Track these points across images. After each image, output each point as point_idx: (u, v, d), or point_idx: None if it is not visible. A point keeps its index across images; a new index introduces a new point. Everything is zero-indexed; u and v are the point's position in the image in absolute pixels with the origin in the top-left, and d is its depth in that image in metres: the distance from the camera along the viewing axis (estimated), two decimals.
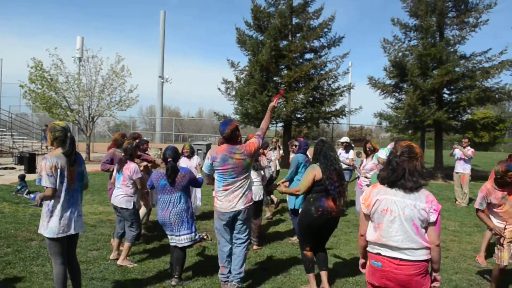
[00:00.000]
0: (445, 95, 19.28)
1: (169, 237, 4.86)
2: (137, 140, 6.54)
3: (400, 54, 19.31)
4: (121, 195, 5.35)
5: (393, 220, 2.80)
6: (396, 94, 20.26)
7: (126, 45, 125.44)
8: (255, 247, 6.34)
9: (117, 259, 5.40)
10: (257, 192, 6.41)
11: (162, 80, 36.23)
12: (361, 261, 3.20)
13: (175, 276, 4.74)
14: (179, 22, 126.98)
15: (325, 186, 4.50)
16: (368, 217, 2.95)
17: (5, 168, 15.81)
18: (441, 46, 17.44)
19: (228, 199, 4.44)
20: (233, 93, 21.30)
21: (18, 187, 10.18)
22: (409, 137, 22.96)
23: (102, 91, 20.55)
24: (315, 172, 4.57)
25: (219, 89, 21.65)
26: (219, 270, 4.61)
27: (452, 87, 18.71)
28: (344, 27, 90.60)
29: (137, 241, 5.82)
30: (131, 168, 5.30)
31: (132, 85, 21.35)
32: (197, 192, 8.02)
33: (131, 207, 5.32)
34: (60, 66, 19.80)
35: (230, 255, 4.59)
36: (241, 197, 4.47)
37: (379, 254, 2.86)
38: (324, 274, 4.72)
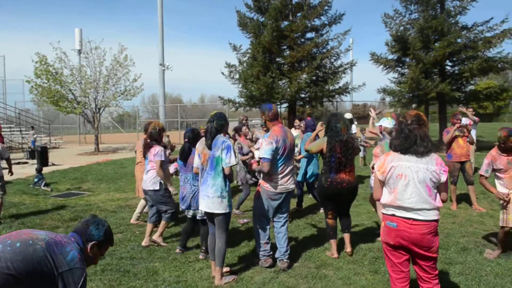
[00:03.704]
0: (448, 67, 19.35)
1: (185, 211, 5.19)
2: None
3: (401, 28, 19.35)
4: (149, 178, 5.51)
5: (407, 183, 3.05)
6: (399, 69, 20.34)
7: (125, 35, 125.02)
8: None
9: (149, 245, 5.57)
10: None
11: (163, 68, 36.26)
12: None
13: (202, 250, 5.04)
14: (177, 8, 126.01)
15: (328, 159, 4.88)
16: (382, 183, 3.20)
17: (18, 163, 16.14)
18: (442, 18, 17.46)
19: (283, 181, 4.59)
20: (237, 76, 21.43)
21: (36, 180, 10.50)
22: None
23: (107, 82, 20.78)
24: (323, 145, 4.97)
25: (222, 73, 21.81)
26: (261, 247, 4.75)
27: (454, 59, 18.76)
28: (344, 3, 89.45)
29: (173, 220, 5.92)
30: (153, 150, 5.49)
31: (136, 74, 21.57)
32: None
33: (157, 188, 5.45)
34: (64, 59, 20.03)
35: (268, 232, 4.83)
36: (291, 177, 4.69)
37: (393, 215, 3.12)
38: (346, 237, 5.12)
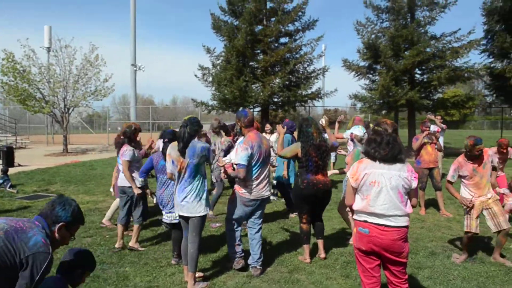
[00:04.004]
0: (417, 75, 19.90)
1: (163, 214, 5.09)
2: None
3: (373, 36, 19.77)
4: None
5: (380, 190, 3.11)
6: (370, 76, 20.80)
7: (97, 34, 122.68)
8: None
9: (123, 248, 5.48)
10: None
11: (134, 68, 35.71)
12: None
13: (174, 255, 4.98)
14: (151, 8, 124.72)
15: (305, 163, 4.94)
16: (355, 190, 3.25)
17: None
18: (412, 27, 17.97)
19: (258, 188, 4.59)
20: (210, 79, 21.33)
21: (1, 181, 10.12)
22: (383, 117, 23.53)
23: (77, 81, 20.26)
24: (298, 150, 5.02)
25: (195, 75, 21.66)
26: (234, 248, 4.74)
27: (423, 67, 19.32)
28: (318, 10, 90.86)
29: (144, 221, 5.70)
30: (122, 149, 5.42)
31: (107, 74, 21.10)
32: None
33: (138, 184, 5.39)
34: (33, 57, 19.44)
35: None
36: (267, 184, 4.70)
37: (365, 221, 3.17)
38: (320, 243, 5.20)
